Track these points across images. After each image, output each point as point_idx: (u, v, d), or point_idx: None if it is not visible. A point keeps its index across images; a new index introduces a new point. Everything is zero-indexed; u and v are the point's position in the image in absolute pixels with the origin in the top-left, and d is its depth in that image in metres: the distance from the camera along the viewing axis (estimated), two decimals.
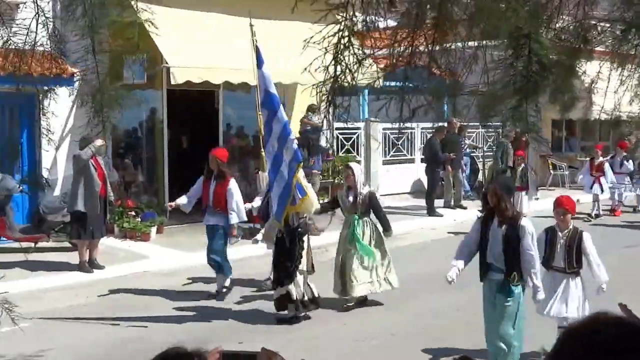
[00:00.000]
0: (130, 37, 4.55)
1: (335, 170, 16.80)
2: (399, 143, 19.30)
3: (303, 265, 8.66)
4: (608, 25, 4.91)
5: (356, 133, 18.32)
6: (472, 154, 20.21)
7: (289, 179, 8.15)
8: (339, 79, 4.05)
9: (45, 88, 11.38)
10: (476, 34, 3.73)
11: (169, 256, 12.03)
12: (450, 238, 14.76)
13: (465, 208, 17.31)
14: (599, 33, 4.76)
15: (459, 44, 4.50)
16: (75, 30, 3.98)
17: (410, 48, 5.10)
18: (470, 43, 4.36)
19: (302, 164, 8.53)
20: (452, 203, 17.62)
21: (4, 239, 11.65)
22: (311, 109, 15.51)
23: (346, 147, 18.07)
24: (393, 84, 14.88)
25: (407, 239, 13.30)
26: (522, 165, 16.06)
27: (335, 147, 17.59)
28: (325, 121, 16.05)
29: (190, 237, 13.23)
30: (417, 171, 19.21)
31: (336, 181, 16.84)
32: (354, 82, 4.58)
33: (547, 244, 7.16)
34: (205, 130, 15.97)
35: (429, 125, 17.39)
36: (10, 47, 4.16)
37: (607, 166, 17.05)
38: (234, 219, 9.87)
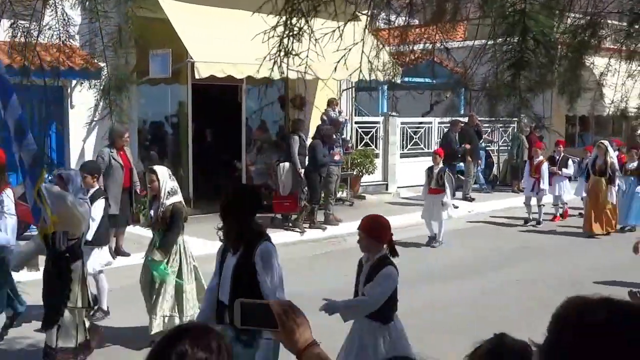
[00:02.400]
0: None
1: (354, 162, 16.78)
2: (417, 137, 19.25)
3: (75, 301, 6.51)
4: (617, 21, 4.86)
5: (375, 127, 18.31)
6: (487, 148, 20.11)
7: (29, 189, 5.34)
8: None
9: (74, 81, 11.53)
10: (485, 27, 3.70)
11: (193, 244, 12.05)
12: (467, 228, 14.83)
13: (473, 200, 17.46)
14: (609, 27, 4.71)
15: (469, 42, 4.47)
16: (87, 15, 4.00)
17: (428, 44, 5.09)
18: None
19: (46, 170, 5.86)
20: (470, 194, 17.60)
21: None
22: (330, 103, 15.51)
23: (365, 140, 18.04)
24: (411, 79, 14.74)
25: (424, 229, 13.25)
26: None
27: (354, 141, 17.56)
28: (342, 115, 16.11)
29: (212, 226, 13.22)
30: None
31: (355, 173, 16.89)
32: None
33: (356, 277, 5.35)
34: (229, 124, 16.01)
35: (446, 119, 17.39)
36: (42, 41, 4.19)
37: (544, 167, 15.11)
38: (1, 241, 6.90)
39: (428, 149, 19.48)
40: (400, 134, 18.81)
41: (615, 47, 4.65)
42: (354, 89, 17.44)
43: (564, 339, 1.48)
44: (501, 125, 18.95)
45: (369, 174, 17.27)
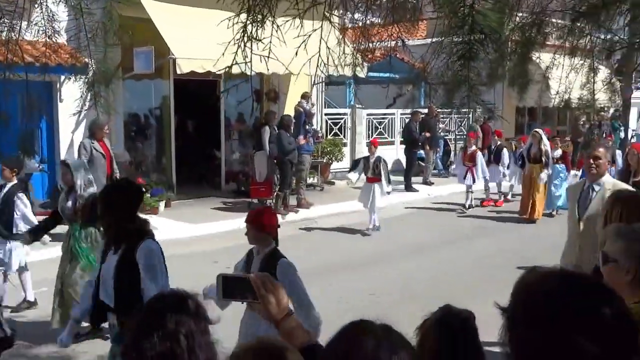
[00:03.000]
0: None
1: (324, 151, 16.78)
2: (381, 127, 19.32)
3: None
4: (560, 19, 4.85)
5: (343, 118, 18.35)
6: (445, 137, 20.22)
7: None
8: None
9: (62, 77, 11.36)
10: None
11: (176, 227, 11.99)
12: (424, 210, 14.88)
13: (432, 184, 17.52)
14: (553, 25, 4.69)
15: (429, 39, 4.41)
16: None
17: (390, 42, 5.04)
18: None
19: None
20: (429, 179, 17.71)
21: None
22: (304, 96, 15.47)
23: (334, 130, 18.06)
24: (376, 74, 14.66)
25: (387, 211, 13.28)
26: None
27: (324, 131, 17.56)
28: (314, 106, 16.07)
29: (195, 211, 13.25)
30: (396, 152, 19.22)
31: (325, 160, 16.88)
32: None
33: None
34: (209, 116, 15.93)
35: (408, 111, 17.47)
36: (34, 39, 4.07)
37: (479, 156, 14.78)
38: None
39: (391, 138, 19.55)
40: (366, 124, 18.91)
41: (559, 43, 4.64)
42: (323, 83, 17.40)
43: (526, 303, 1.51)
44: (458, 115, 19.10)
45: (337, 161, 17.30)
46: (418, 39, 10.61)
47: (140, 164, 14.56)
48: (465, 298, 5.64)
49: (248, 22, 3.10)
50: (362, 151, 18.31)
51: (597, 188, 5.32)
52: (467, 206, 14.75)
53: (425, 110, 17.72)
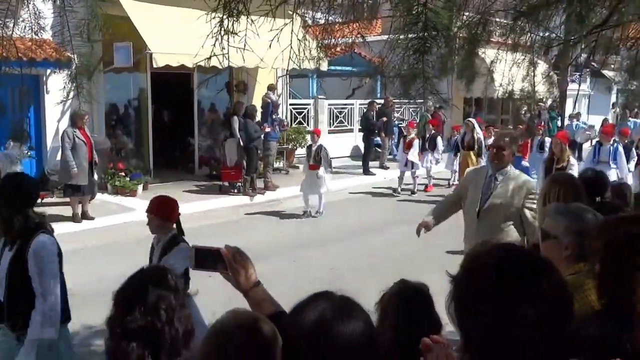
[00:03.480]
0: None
1: (289, 138, 16.79)
2: (342, 116, 19.37)
3: None
4: (503, 18, 4.91)
5: (307, 108, 18.34)
6: (399, 125, 20.34)
7: None
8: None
9: (49, 70, 11.23)
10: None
11: None
12: (378, 192, 15.00)
13: (387, 168, 17.48)
14: (497, 23, 4.76)
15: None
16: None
17: (349, 39, 5.05)
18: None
19: None
20: (385, 164, 17.82)
21: None
22: (270, 87, 15.40)
23: (298, 119, 18.07)
24: (337, 68, 14.62)
25: (346, 194, 13.34)
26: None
27: (289, 119, 17.56)
28: (280, 97, 16.03)
29: (170, 193, 12.94)
30: (355, 139, 19.29)
31: (290, 146, 16.88)
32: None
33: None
34: (183, 106, 15.81)
35: (366, 101, 17.54)
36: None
37: (415, 143, 14.38)
38: None
39: (351, 126, 19.61)
40: (328, 113, 18.90)
41: (502, 40, 4.71)
42: (288, 76, 17.36)
43: (474, 273, 1.53)
44: (412, 105, 19.18)
45: (301, 148, 17.27)
46: (375, 35, 10.64)
47: (120, 150, 14.37)
48: (415, 273, 5.70)
49: (224, 17, 3.08)
50: (325, 138, 18.36)
51: (500, 178, 4.93)
52: (413, 191, 14.38)
53: (382, 101, 17.80)
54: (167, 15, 12.83)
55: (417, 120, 19.52)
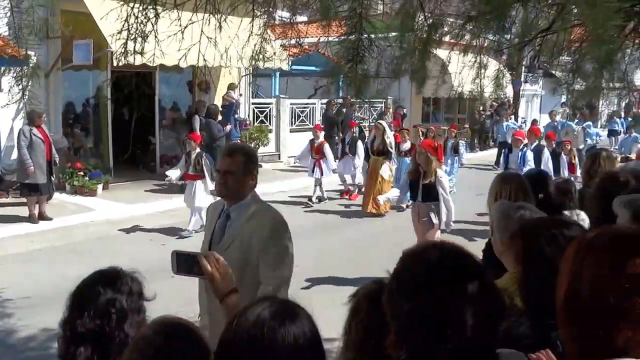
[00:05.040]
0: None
1: (252, 137, 16.70)
2: (303, 115, 19.36)
3: None
4: (455, 21, 4.96)
5: (269, 107, 18.29)
6: (360, 124, 20.45)
7: None
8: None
9: (2, 68, 10.90)
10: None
11: (112, 208, 11.67)
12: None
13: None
14: (448, 25, 4.81)
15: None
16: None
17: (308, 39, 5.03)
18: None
19: None
20: None
21: None
22: (231, 86, 15.29)
23: (261, 118, 18.01)
24: (300, 67, 14.57)
25: (309, 192, 13.31)
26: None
27: (252, 118, 17.47)
28: (242, 96, 15.93)
29: (131, 192, 12.93)
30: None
31: (252, 145, 16.79)
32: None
33: None
34: (144, 105, 15.56)
35: (325, 100, 17.57)
36: None
37: (326, 147, 12.77)
38: None
39: (312, 124, 19.61)
40: (290, 112, 18.85)
41: (454, 42, 4.76)
42: (251, 75, 17.26)
43: (411, 270, 1.52)
44: (370, 105, 19.27)
45: (264, 146, 17.27)
46: (335, 36, 10.59)
47: (78, 149, 14.09)
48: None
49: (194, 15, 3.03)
50: (286, 137, 18.32)
51: (233, 215, 3.31)
52: (315, 199, 12.69)
53: (341, 100, 17.84)
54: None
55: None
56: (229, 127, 14.11)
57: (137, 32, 3.06)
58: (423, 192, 7.37)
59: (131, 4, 3.05)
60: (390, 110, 19.80)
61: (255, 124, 17.64)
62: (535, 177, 4.27)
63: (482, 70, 4.73)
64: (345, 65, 2.54)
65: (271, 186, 13.88)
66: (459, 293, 1.44)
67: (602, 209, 3.70)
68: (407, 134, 13.28)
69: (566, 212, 4.13)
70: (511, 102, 22.46)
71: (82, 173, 12.72)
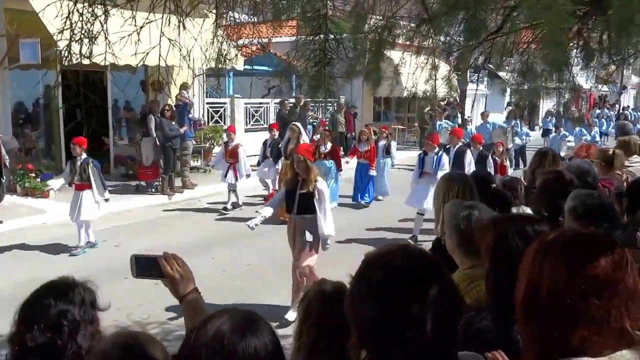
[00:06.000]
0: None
1: (206, 137, 16.49)
2: (257, 115, 19.24)
3: None
4: (408, 23, 4.99)
5: (223, 107, 18.10)
6: (314, 123, 20.47)
7: None
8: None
9: None
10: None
11: (65, 210, 11.30)
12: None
13: None
14: (402, 27, 4.83)
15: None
16: None
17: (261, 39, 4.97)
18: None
19: None
20: None
21: None
22: (184, 86, 15.04)
23: (215, 118, 17.80)
24: (253, 67, 14.43)
25: (260, 190, 13.24)
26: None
27: (206, 118, 17.25)
28: (196, 96, 15.71)
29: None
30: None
31: (207, 145, 16.58)
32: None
33: None
34: (97, 104, 15.11)
35: (278, 100, 17.50)
36: None
37: (241, 151, 11.86)
38: None
39: (266, 124, 19.51)
40: (244, 112, 18.71)
41: (407, 43, 4.79)
42: (205, 74, 17.03)
43: (374, 274, 1.49)
44: (323, 105, 19.30)
45: (218, 146, 17.02)
46: (287, 37, 10.54)
47: (29, 150, 13.63)
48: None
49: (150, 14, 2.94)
50: (241, 138, 18.15)
51: None
52: (230, 206, 11.86)
53: (293, 100, 17.82)
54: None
55: (330, 118, 19.70)
56: (184, 128, 13.89)
57: (83, 32, 2.93)
58: (299, 203, 6.29)
59: (73, 0, 2.93)
60: (343, 110, 19.90)
61: (210, 123, 17.43)
62: (479, 177, 4.39)
63: (434, 72, 4.78)
64: (312, 68, 2.50)
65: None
66: (420, 296, 1.42)
67: (548, 206, 3.80)
68: (327, 136, 12.39)
69: (513, 209, 4.23)
70: (458, 101, 22.86)
71: (33, 174, 12.31)
